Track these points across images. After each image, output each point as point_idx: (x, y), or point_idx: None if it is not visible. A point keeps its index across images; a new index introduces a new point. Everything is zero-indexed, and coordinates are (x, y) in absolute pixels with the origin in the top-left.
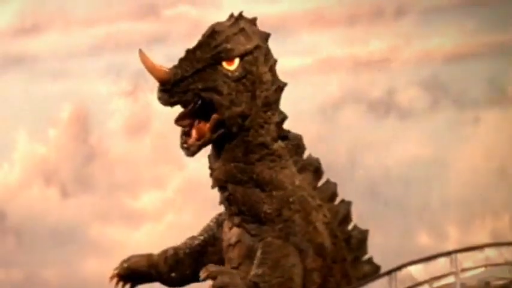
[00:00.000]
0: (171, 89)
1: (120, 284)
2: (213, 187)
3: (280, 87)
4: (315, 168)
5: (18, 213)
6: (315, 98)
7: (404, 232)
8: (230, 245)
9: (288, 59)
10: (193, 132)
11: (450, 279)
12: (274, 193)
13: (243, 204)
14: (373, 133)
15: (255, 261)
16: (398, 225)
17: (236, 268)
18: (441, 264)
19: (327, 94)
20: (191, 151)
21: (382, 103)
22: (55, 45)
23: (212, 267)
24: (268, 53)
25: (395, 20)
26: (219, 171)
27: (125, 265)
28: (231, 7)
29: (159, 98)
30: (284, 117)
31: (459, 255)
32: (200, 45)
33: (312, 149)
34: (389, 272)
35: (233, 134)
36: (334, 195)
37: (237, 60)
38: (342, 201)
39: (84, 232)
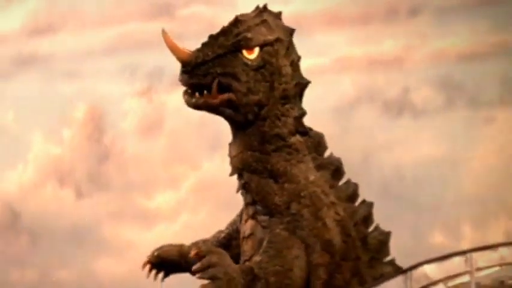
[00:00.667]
0: (191, 70)
1: (153, 272)
2: (230, 175)
3: (301, 83)
4: (335, 168)
5: (33, 214)
6: (329, 97)
7: (419, 231)
8: (244, 237)
9: (302, 58)
10: (206, 92)
11: (465, 278)
12: (286, 185)
13: (257, 194)
14: (388, 132)
15: (260, 250)
16: (413, 224)
17: (248, 260)
18: (456, 264)
19: (341, 93)
20: (193, 102)
21: (397, 102)
22: (69, 45)
23: (203, 246)
24: (290, 48)
25: (410, 20)
26: (236, 159)
27: (156, 253)
28: (245, 7)
29: (180, 80)
30: (303, 113)
31: (474, 255)
32: (223, 32)
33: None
34: (404, 271)
35: (249, 121)
36: (354, 195)
37: (257, 50)
38: (363, 201)
39: (98, 232)
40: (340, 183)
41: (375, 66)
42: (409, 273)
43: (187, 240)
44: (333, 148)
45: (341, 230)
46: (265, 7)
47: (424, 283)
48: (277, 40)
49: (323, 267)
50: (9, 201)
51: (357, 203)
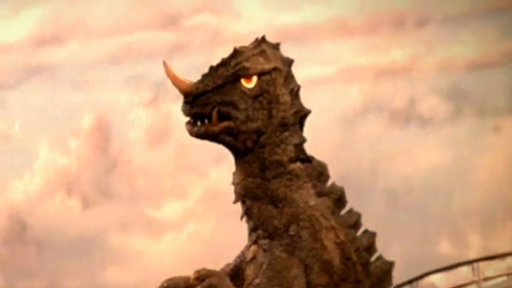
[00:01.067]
0: (192, 101)
1: None
2: (234, 202)
3: (300, 111)
4: (337, 197)
5: (39, 224)
6: (336, 107)
7: (426, 240)
8: (247, 262)
9: (309, 68)
10: (206, 121)
11: None
12: (285, 209)
13: (258, 219)
14: (395, 141)
15: (260, 272)
16: (420, 233)
17: (250, 284)
18: (463, 273)
19: (348, 103)
20: (195, 131)
21: (404, 112)
22: (76, 55)
23: (203, 270)
24: (289, 77)
25: (417, 29)
26: (239, 186)
27: (165, 285)
28: (250, 16)
29: (183, 110)
30: (303, 140)
31: (481, 264)
32: (222, 63)
33: (333, 158)
34: (411, 281)
35: (249, 148)
36: (356, 224)
37: (255, 79)
38: (365, 231)
39: (105, 242)
40: (343, 212)
41: (382, 76)
42: (415, 283)
43: (194, 250)
44: (340, 157)
45: (341, 252)
46: (263, 38)
47: None
48: (275, 69)
49: (321, 287)
50: (16, 211)
51: (359, 232)
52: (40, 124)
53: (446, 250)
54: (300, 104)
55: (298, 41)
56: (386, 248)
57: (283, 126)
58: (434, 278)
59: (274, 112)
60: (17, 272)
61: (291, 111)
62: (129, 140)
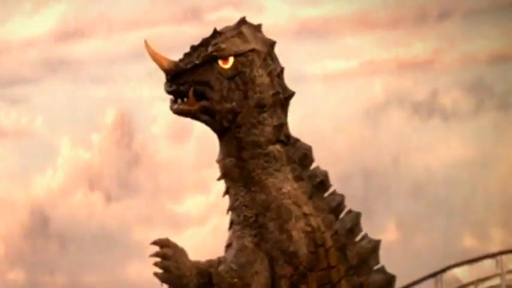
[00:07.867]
0: (171, 79)
1: None
2: (218, 179)
3: (279, 93)
4: (320, 180)
5: (62, 218)
6: (359, 100)
7: (449, 233)
8: (225, 247)
9: (332, 61)
10: (185, 100)
11: (496, 281)
12: (257, 197)
13: (233, 203)
14: (417, 135)
15: (227, 259)
16: (443, 226)
17: (215, 268)
18: (486, 266)
19: (371, 96)
20: (174, 108)
21: (426, 105)
22: (98, 50)
23: (163, 240)
24: (268, 58)
25: (439, 23)
26: (219, 165)
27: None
28: (273, 10)
29: (164, 88)
30: (282, 122)
31: (504, 257)
32: (202, 43)
33: (356, 151)
34: (434, 274)
35: (226, 128)
36: (338, 207)
37: (231, 60)
38: (349, 211)
39: (128, 236)
40: (326, 194)
41: (405, 69)
42: (439, 276)
43: (216, 245)
44: (363, 151)
45: (309, 241)
46: (244, 20)
47: (455, 286)
48: (252, 51)
49: (285, 278)
50: (39, 206)
51: (342, 214)
52: (63, 119)
53: (469, 243)
54: (283, 86)
55: (320, 35)
56: (409, 241)
57: (261, 107)
58: (457, 271)
59: (250, 93)
60: (39, 266)
61: (269, 93)
62: (151, 135)
